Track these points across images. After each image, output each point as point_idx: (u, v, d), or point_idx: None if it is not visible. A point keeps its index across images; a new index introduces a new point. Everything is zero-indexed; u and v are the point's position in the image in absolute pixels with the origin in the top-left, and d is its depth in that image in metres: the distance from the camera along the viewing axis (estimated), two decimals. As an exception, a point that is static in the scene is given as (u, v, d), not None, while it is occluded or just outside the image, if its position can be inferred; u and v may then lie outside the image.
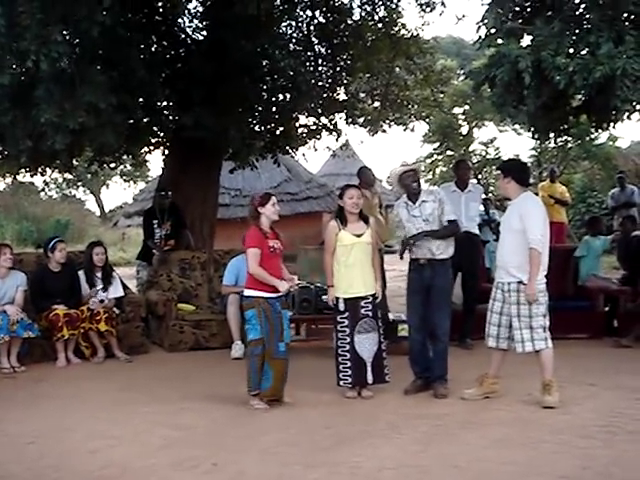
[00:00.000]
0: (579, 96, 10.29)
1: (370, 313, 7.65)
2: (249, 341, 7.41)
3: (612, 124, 10.79)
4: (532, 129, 12.37)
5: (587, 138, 24.75)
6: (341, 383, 7.70)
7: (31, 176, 13.76)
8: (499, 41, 9.80)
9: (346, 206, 7.69)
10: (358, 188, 7.92)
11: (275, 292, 7.27)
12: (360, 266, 7.67)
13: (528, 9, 10.12)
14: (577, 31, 9.45)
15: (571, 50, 9.14)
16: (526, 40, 9.88)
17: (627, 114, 10.09)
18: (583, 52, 9.15)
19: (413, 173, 7.77)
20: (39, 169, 12.84)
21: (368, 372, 7.62)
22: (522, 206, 7.20)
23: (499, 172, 7.54)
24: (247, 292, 7.39)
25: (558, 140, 24.31)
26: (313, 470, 5.55)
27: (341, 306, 7.67)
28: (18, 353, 9.25)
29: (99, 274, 10.16)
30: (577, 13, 9.69)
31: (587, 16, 9.52)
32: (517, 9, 10.14)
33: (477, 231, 10.22)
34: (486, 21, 10.09)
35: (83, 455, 6.01)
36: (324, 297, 9.53)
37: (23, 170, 13.04)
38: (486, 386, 7.44)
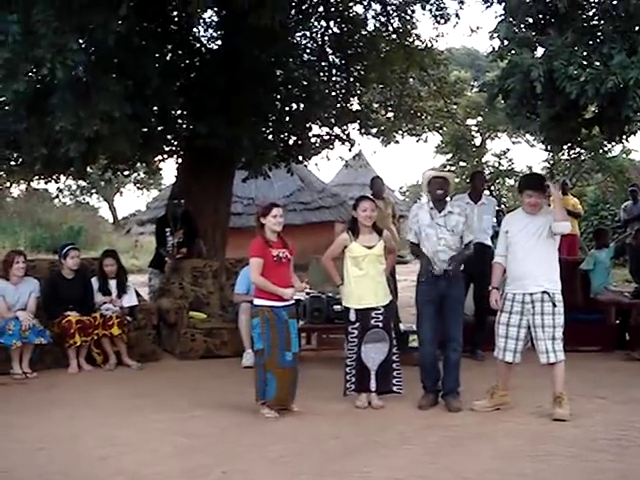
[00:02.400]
0: (592, 108, 10.29)
1: (380, 324, 7.64)
2: (255, 350, 7.46)
3: (624, 136, 10.78)
4: (544, 140, 12.34)
5: (600, 151, 24.74)
6: (347, 392, 7.71)
7: (45, 183, 13.92)
8: (512, 52, 9.81)
9: (359, 218, 7.70)
10: (372, 200, 7.92)
11: (281, 301, 7.28)
12: (371, 277, 7.66)
13: (541, 20, 10.11)
14: (590, 42, 9.45)
15: (584, 61, 9.13)
16: (539, 51, 9.89)
17: (639, 125, 10.09)
18: (596, 63, 9.15)
19: (442, 180, 7.71)
20: (53, 176, 12.93)
21: (371, 380, 7.61)
22: (547, 217, 7.26)
23: (538, 192, 7.42)
24: (255, 301, 7.42)
25: (571, 152, 24.34)
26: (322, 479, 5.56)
27: (352, 317, 7.66)
28: (30, 359, 9.28)
29: (113, 282, 10.20)
30: (590, 24, 9.69)
31: (600, 27, 9.52)
32: (530, 20, 10.14)
33: (489, 242, 10.21)
34: (499, 32, 10.10)
35: (93, 462, 6.02)
36: (336, 307, 9.55)
37: (37, 177, 13.13)
38: (497, 398, 7.43)
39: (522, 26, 10.13)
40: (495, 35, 10.14)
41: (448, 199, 7.82)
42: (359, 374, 7.63)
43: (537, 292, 7.14)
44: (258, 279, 7.30)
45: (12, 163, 12.14)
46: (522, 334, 7.24)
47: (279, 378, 7.22)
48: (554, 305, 7.11)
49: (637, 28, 9.31)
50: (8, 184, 15.58)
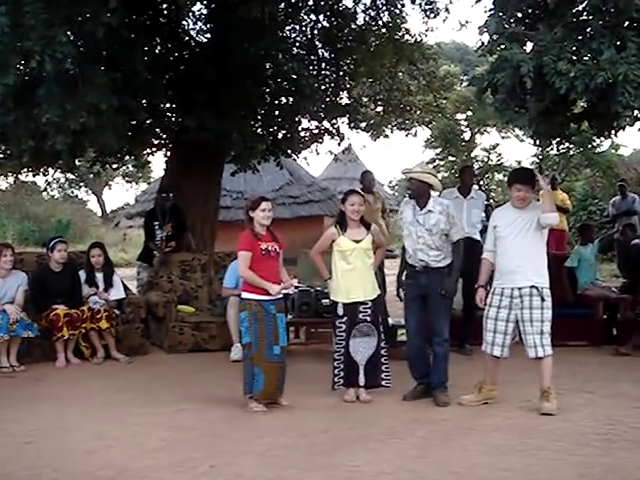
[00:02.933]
0: (581, 103, 10.30)
1: (368, 318, 7.64)
2: (243, 344, 7.44)
3: (613, 131, 10.79)
4: (533, 134, 12.36)
5: (589, 146, 24.80)
6: (335, 387, 7.71)
7: (33, 176, 13.84)
8: (502, 47, 9.82)
9: (347, 212, 7.70)
10: (361, 194, 7.93)
11: (269, 294, 7.27)
12: (359, 271, 7.66)
13: (531, 15, 10.12)
14: (579, 37, 9.46)
15: (573, 56, 9.14)
16: (529, 46, 9.90)
17: (628, 121, 10.10)
18: (585, 58, 9.16)
19: (411, 181, 7.75)
20: (41, 169, 12.90)
21: (360, 374, 7.61)
22: (535, 211, 7.25)
23: (527, 186, 7.42)
24: (242, 294, 7.42)
25: (560, 147, 24.38)
26: (311, 474, 5.56)
27: (340, 310, 7.66)
28: (17, 352, 9.26)
29: (100, 275, 10.18)
30: (580, 19, 9.69)
31: (590, 23, 9.53)
32: (520, 15, 10.14)
33: (479, 237, 10.21)
34: (488, 26, 10.10)
35: (81, 455, 6.01)
36: (324, 300, 9.55)
37: (25, 169, 13.09)
38: (484, 393, 7.44)
39: (512, 21, 10.14)
40: (485, 30, 10.14)
41: (434, 196, 7.80)
42: (347, 369, 7.63)
43: (526, 286, 7.15)
44: (246, 272, 7.29)
45: (0, 155, 12.09)
46: (510, 328, 7.25)
47: (267, 372, 7.21)
48: (542, 299, 7.12)
49: (626, 24, 9.32)
50: (-5, 176, 15.50)
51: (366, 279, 7.72)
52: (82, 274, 10.08)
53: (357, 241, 7.67)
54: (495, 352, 7.34)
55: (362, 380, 7.63)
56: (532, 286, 7.13)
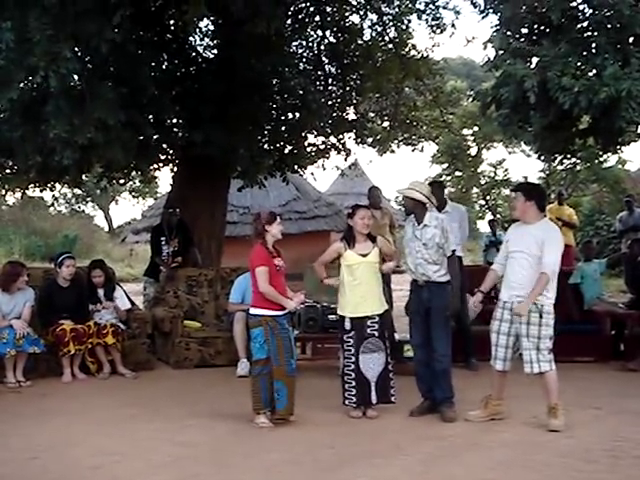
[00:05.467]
0: (586, 118, 10.31)
1: (376, 333, 7.62)
2: (255, 360, 7.41)
3: (618, 147, 10.82)
4: (538, 149, 12.36)
5: (596, 161, 24.78)
6: (346, 402, 7.67)
7: (40, 191, 13.84)
8: (507, 62, 9.84)
9: (356, 226, 7.69)
10: (368, 208, 7.95)
11: (282, 310, 7.28)
12: (366, 286, 7.65)
13: (535, 31, 10.15)
14: (584, 53, 9.50)
15: (577, 71, 9.16)
16: (533, 62, 9.92)
17: (632, 136, 10.12)
18: (589, 73, 9.18)
19: (405, 199, 7.83)
20: (48, 184, 12.93)
21: (372, 392, 7.58)
22: (545, 233, 7.16)
23: (519, 193, 7.45)
24: (253, 311, 7.40)
25: (566, 162, 24.40)
26: (316, 489, 5.55)
27: (347, 325, 7.65)
28: (24, 368, 9.26)
29: (101, 292, 10.21)
30: (584, 35, 9.73)
31: (594, 39, 9.56)
32: (525, 30, 10.18)
33: (460, 252, 10.14)
34: (493, 42, 10.14)
35: (86, 471, 6.00)
36: (330, 316, 9.55)
37: (33, 185, 13.12)
38: (490, 408, 7.42)
39: (517, 36, 10.17)
40: (490, 45, 10.18)
41: (431, 211, 7.79)
42: (360, 386, 7.57)
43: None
44: (267, 288, 7.26)
45: (7, 171, 12.15)
46: (511, 342, 7.23)
47: (289, 386, 7.24)
48: (540, 316, 7.07)
49: (631, 40, 9.36)
50: (3, 192, 15.54)
51: (374, 293, 7.70)
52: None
53: (364, 255, 7.66)
54: (497, 366, 7.33)
55: (374, 398, 7.59)
56: (532, 302, 7.09)
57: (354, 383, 7.59)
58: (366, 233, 7.73)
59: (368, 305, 7.65)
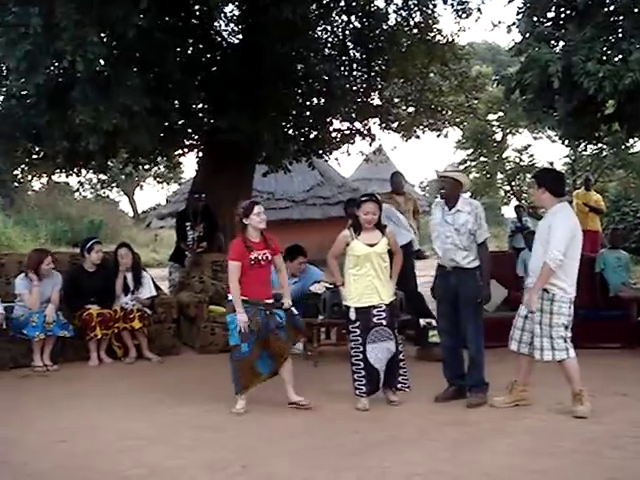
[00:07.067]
0: (611, 103, 10.23)
1: (383, 322, 7.46)
2: (233, 346, 7.40)
3: (644, 132, 10.73)
4: (562, 135, 12.28)
5: (622, 147, 24.58)
6: (356, 392, 7.53)
7: (66, 176, 13.92)
8: (532, 46, 9.78)
9: (361, 220, 7.53)
10: (377, 201, 7.66)
11: (253, 297, 7.29)
12: (373, 276, 7.49)
13: (561, 15, 10.08)
14: (609, 38, 9.40)
15: (602, 56, 9.08)
16: (558, 46, 9.85)
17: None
18: (614, 59, 9.09)
19: (444, 179, 7.65)
20: (75, 169, 12.98)
21: (381, 380, 7.49)
22: (552, 218, 7.14)
23: (533, 181, 7.46)
24: (229, 296, 7.42)
25: (592, 148, 24.23)
26: (342, 474, 5.56)
27: (352, 315, 7.51)
28: (51, 352, 9.35)
29: (129, 275, 10.25)
30: (610, 20, 9.63)
31: (619, 23, 9.47)
32: (550, 15, 10.11)
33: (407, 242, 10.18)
34: (519, 26, 10.07)
35: (112, 455, 6.05)
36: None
37: (59, 170, 13.18)
38: (516, 394, 7.39)
39: (542, 21, 10.10)
40: (515, 29, 10.12)
41: (464, 197, 7.74)
42: (369, 376, 7.46)
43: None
44: (233, 285, 7.29)
45: (34, 156, 12.21)
46: (527, 325, 7.22)
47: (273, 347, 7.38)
48: (552, 304, 7.03)
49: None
50: (30, 177, 15.62)
51: (380, 283, 7.53)
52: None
53: (371, 245, 7.51)
54: (511, 346, 7.34)
55: (382, 382, 7.53)
56: (544, 290, 7.05)
57: (363, 373, 7.47)
58: (370, 227, 7.54)
59: (374, 295, 7.50)
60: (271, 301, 7.43)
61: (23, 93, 9.70)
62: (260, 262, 7.32)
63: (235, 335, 7.28)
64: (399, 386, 7.64)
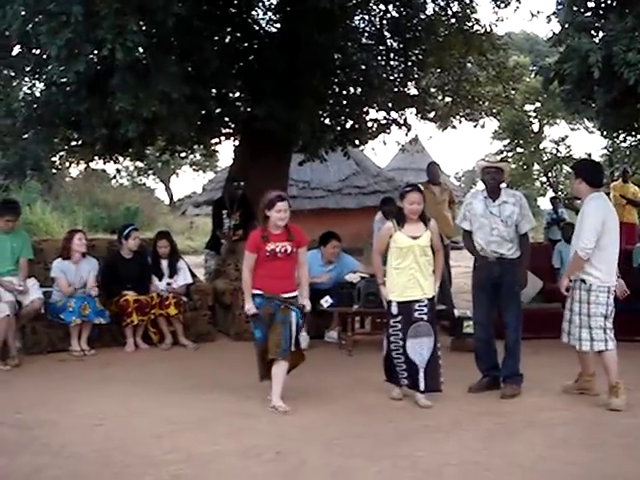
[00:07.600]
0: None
1: (425, 317, 7.31)
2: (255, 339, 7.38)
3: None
4: (601, 126, 12.19)
5: (661, 138, 24.30)
6: (401, 382, 7.42)
7: (104, 163, 14.02)
8: (571, 37, 9.70)
9: (406, 211, 7.35)
10: (421, 191, 7.48)
11: (269, 291, 7.14)
12: (416, 269, 7.33)
13: (602, 4, 9.99)
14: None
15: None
16: (598, 36, 9.77)
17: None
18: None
19: (494, 170, 7.57)
20: (113, 157, 13.09)
21: (420, 379, 7.28)
22: (585, 208, 7.13)
23: (572, 172, 7.43)
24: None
25: (630, 139, 23.96)
26: (375, 463, 5.58)
27: (394, 309, 7.37)
28: (88, 337, 9.46)
29: (165, 263, 10.34)
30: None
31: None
32: (590, 4, 10.03)
33: None
34: (558, 16, 9.99)
35: (149, 439, 6.13)
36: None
37: (97, 157, 13.29)
38: (581, 382, 7.48)
39: (582, 10, 10.03)
40: (555, 19, 10.04)
41: (504, 187, 7.71)
42: (410, 370, 7.32)
43: (577, 279, 7.11)
44: (245, 274, 7.20)
45: (73, 143, 12.32)
46: (570, 317, 7.22)
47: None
48: (589, 293, 7.01)
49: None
50: (68, 164, 15.75)
51: (423, 277, 7.36)
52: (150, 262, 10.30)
53: (415, 237, 7.33)
54: (563, 339, 7.33)
55: (422, 386, 7.29)
56: (581, 279, 7.04)
57: (405, 366, 7.34)
58: (415, 218, 7.37)
59: (417, 289, 7.33)
60: (290, 295, 7.20)
61: (63, 81, 9.76)
62: (277, 254, 7.11)
63: (252, 323, 7.30)
64: (440, 387, 7.44)
